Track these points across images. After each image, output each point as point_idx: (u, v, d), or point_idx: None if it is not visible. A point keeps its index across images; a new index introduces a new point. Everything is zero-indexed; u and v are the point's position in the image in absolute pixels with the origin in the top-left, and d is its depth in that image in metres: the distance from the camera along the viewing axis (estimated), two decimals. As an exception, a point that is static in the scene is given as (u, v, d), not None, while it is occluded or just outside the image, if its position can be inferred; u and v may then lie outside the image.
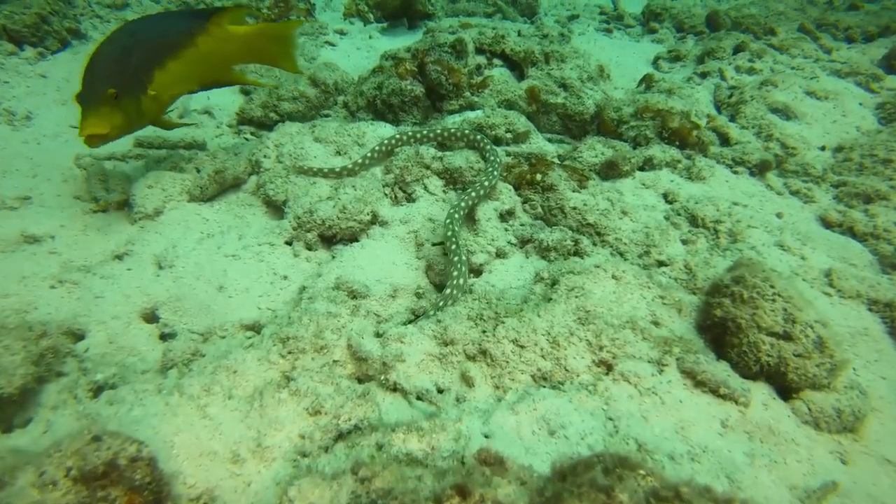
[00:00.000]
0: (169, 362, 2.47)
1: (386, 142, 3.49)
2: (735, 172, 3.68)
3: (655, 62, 5.72)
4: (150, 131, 4.34)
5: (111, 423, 1.97)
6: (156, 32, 3.09)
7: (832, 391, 2.17)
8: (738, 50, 5.18)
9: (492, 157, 3.29)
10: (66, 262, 2.98)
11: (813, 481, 1.94)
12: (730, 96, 4.57)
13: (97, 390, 2.33)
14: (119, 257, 3.04)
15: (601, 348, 2.22)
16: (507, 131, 3.85)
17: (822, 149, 3.91)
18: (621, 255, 3.02)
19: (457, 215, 2.93)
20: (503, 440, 1.86)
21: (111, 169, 3.68)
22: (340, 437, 1.96)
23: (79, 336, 2.64)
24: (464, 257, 2.71)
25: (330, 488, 1.56)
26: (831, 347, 2.16)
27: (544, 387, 2.15)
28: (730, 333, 2.29)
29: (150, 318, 2.79)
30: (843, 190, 3.52)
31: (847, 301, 2.73)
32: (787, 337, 2.18)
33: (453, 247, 2.74)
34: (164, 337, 2.72)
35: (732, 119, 4.23)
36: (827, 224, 3.35)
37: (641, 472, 1.43)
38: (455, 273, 2.63)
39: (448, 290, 2.57)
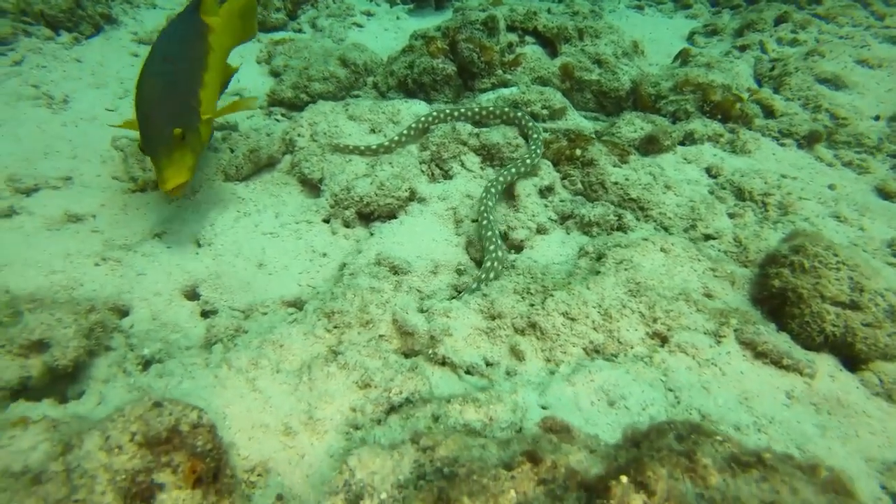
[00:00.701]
0: (213, 338, 2.46)
1: (422, 119, 3.43)
2: (782, 145, 3.56)
3: (691, 37, 5.56)
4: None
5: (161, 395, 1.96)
6: (182, 51, 2.91)
7: (902, 362, 2.08)
8: (779, 21, 5.01)
9: (535, 135, 3.22)
10: (108, 241, 2.99)
11: (889, 454, 1.86)
12: (772, 69, 4.42)
13: (145, 364, 2.33)
14: (158, 236, 3.04)
15: (655, 320, 2.16)
16: (544, 108, 3.77)
17: (877, 118, 3.76)
18: (666, 229, 2.94)
19: (493, 189, 2.88)
20: (562, 411, 1.81)
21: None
22: (392, 409, 1.93)
23: (123, 312, 2.64)
24: (496, 230, 2.67)
25: (391, 458, 1.53)
26: (901, 317, 2.07)
27: (598, 359, 2.10)
28: (790, 304, 2.20)
29: (191, 295, 2.78)
30: (900, 159, 3.39)
31: (913, 271, 2.63)
32: (854, 306, 2.10)
33: (485, 222, 2.71)
34: (205, 314, 2.71)
35: (776, 91, 4.09)
36: (885, 195, 3.22)
37: (718, 437, 1.37)
38: (491, 247, 2.59)
39: (488, 264, 2.53)
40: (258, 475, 1.78)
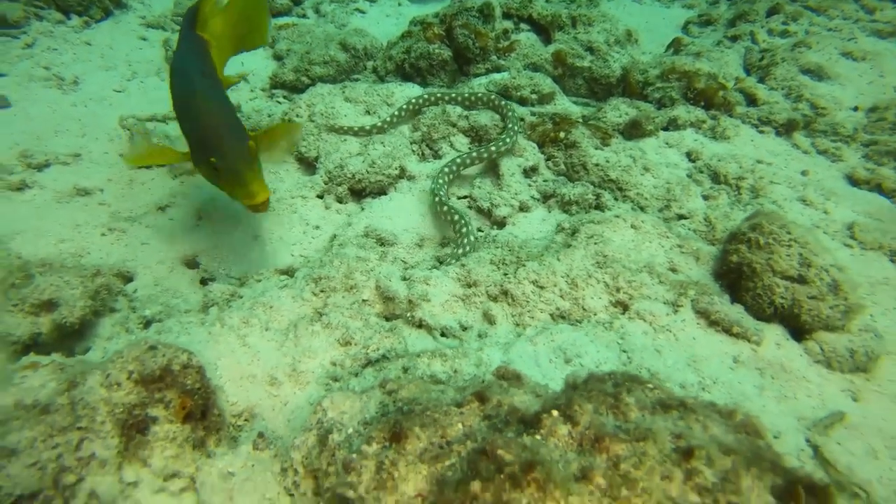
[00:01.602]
0: (210, 302, 2.64)
1: (413, 101, 3.59)
2: (761, 132, 3.69)
3: (685, 27, 5.66)
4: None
5: (161, 349, 2.15)
6: (207, 65, 2.80)
7: (846, 332, 2.23)
8: (772, 12, 5.10)
9: (510, 125, 3.35)
10: (114, 213, 3.17)
11: (821, 414, 2.02)
12: (761, 59, 4.52)
13: (146, 324, 2.51)
14: (162, 209, 3.22)
15: (618, 290, 2.32)
16: (533, 92, 3.91)
17: (855, 109, 3.88)
18: (642, 209, 3.08)
19: (441, 181, 3.05)
20: (521, 366, 1.97)
21: (153, 129, 3.86)
22: (369, 364, 2.10)
23: (128, 278, 2.83)
24: (459, 209, 2.84)
25: (360, 400, 1.70)
26: (846, 290, 2.22)
27: (562, 324, 2.26)
28: (745, 278, 2.35)
29: (192, 264, 2.96)
30: (874, 148, 3.50)
31: (868, 252, 2.76)
32: (801, 280, 2.25)
33: (444, 209, 2.88)
34: (203, 282, 2.89)
35: (762, 81, 4.20)
36: (854, 182, 3.35)
37: (650, 385, 1.53)
38: (464, 230, 2.75)
39: (462, 239, 2.70)
40: (245, 420, 1.96)
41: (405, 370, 1.92)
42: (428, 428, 1.42)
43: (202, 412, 1.71)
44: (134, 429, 1.60)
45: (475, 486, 1.18)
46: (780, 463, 1.29)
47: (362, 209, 3.13)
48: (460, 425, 1.44)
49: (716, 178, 3.29)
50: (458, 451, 1.36)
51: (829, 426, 1.92)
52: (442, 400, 1.55)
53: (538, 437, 1.32)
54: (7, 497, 1.39)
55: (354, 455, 1.42)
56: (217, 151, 2.39)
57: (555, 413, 1.36)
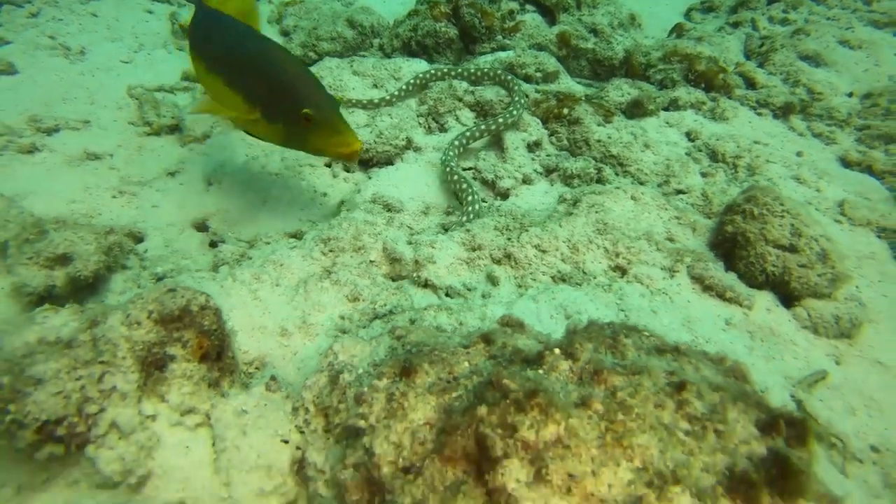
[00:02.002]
0: (220, 262, 2.71)
1: (421, 75, 3.65)
2: (759, 114, 3.77)
3: (688, 13, 5.73)
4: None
5: (174, 300, 2.22)
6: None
7: (832, 300, 2.32)
8: (772, 0, 5.18)
9: (516, 98, 3.42)
10: (124, 177, 3.24)
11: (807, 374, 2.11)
12: (761, 45, 4.60)
13: (158, 280, 2.58)
14: (172, 174, 3.29)
15: (617, 255, 2.40)
16: (537, 70, 3.98)
17: (850, 95, 3.96)
18: (641, 184, 3.16)
19: (451, 153, 3.12)
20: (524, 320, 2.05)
21: (161, 98, 3.91)
22: (377, 318, 2.18)
23: (139, 239, 2.90)
24: (468, 180, 2.92)
25: (370, 344, 1.79)
26: (834, 259, 2.31)
27: (563, 285, 2.34)
28: (739, 247, 2.44)
29: (201, 227, 3.03)
30: (867, 133, 3.59)
31: (857, 228, 2.85)
32: (792, 249, 2.33)
33: (455, 177, 2.95)
34: (213, 244, 2.96)
35: (761, 66, 4.28)
36: (847, 163, 3.44)
37: (646, 333, 1.62)
38: (469, 198, 2.83)
39: (467, 207, 2.78)
40: (256, 368, 2.05)
41: (412, 322, 2.00)
42: (436, 365, 1.50)
43: (218, 354, 1.78)
44: (153, 366, 1.68)
45: (481, 410, 1.27)
46: (764, 402, 1.38)
47: (369, 178, 3.20)
48: (467, 363, 1.53)
49: (714, 156, 3.37)
50: (465, 384, 1.45)
51: (813, 384, 2.01)
52: (449, 343, 1.63)
53: (541, 371, 1.41)
54: (34, 421, 1.47)
55: (366, 388, 1.50)
56: (311, 102, 2.38)
57: (556, 350, 1.45)
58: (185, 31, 5.04)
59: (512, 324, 1.75)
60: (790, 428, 1.31)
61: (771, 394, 1.95)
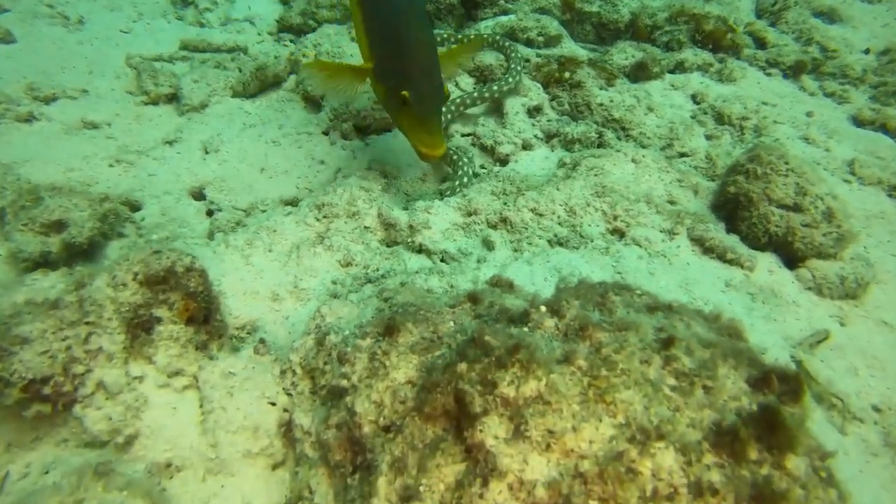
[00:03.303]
0: (216, 229, 2.69)
1: (420, 40, 3.56)
2: (768, 74, 3.66)
3: (699, -26, 5.56)
4: (193, 35, 4.53)
5: (167, 266, 2.21)
6: None
7: (838, 260, 2.26)
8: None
9: (513, 65, 3.33)
10: (122, 146, 3.21)
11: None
12: (773, 4, 4.45)
13: (153, 247, 2.57)
14: (169, 143, 3.26)
15: (615, 217, 2.35)
16: (539, 34, 3.88)
17: (867, 52, 3.83)
18: (644, 147, 3.08)
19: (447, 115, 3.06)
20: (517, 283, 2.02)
21: (160, 68, 3.86)
22: (369, 282, 2.16)
23: (135, 207, 2.88)
24: (459, 148, 2.87)
25: (357, 307, 1.76)
26: (839, 218, 2.24)
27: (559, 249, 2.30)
28: (741, 207, 2.38)
29: (198, 196, 3.01)
30: (882, 90, 3.48)
31: (867, 187, 2.77)
32: (796, 208, 2.27)
33: (449, 151, 2.89)
34: (210, 213, 2.94)
35: (773, 25, 4.15)
36: (859, 122, 3.33)
37: (638, 292, 1.58)
38: (456, 157, 2.78)
39: (461, 172, 2.73)
40: (247, 332, 2.04)
41: (403, 285, 1.97)
42: (420, 324, 1.48)
43: (205, 317, 1.77)
44: (139, 328, 1.67)
45: (461, 366, 1.24)
46: (758, 358, 1.34)
47: (367, 145, 3.16)
48: (452, 322, 1.50)
49: (720, 118, 3.28)
50: (448, 343, 1.42)
51: (814, 345, 1.97)
52: (436, 303, 1.60)
53: (525, 329, 1.38)
54: (21, 379, 1.47)
55: (349, 348, 1.48)
56: (415, 86, 2.19)
57: (542, 308, 1.41)
58: (184, 0, 4.99)
59: (501, 284, 1.71)
60: (783, 384, 1.27)
61: (769, 354, 1.90)
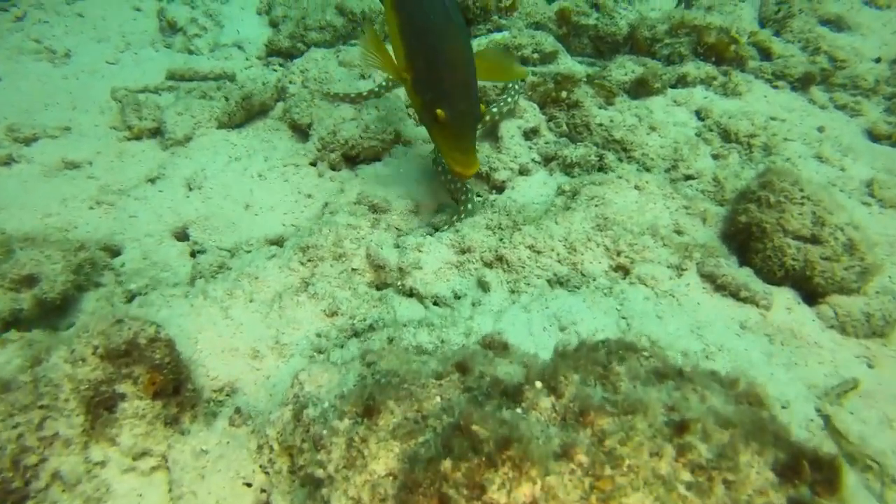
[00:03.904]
0: (197, 274, 2.56)
1: (410, 63, 3.43)
2: (775, 87, 3.50)
3: (698, -19, 5.40)
4: (181, 62, 4.42)
5: (141, 323, 2.08)
6: None
7: (862, 295, 2.10)
8: (788, -38, 4.84)
9: (509, 86, 3.18)
10: (103, 186, 3.09)
11: (833, 382, 1.90)
12: (777, 11, 4.29)
13: (131, 298, 2.44)
14: (152, 181, 3.13)
15: (619, 253, 2.19)
16: (535, 51, 3.73)
17: (878, 60, 3.66)
18: (647, 170, 2.93)
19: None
20: (513, 335, 1.87)
21: (144, 100, 3.75)
22: (356, 335, 2.02)
23: (115, 252, 2.75)
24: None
25: (338, 372, 1.62)
26: (862, 250, 2.07)
27: (559, 290, 2.15)
28: (754, 239, 2.22)
29: (181, 236, 2.88)
30: (896, 101, 3.32)
31: (888, 210, 2.60)
32: (814, 240, 2.11)
33: (446, 177, 2.75)
34: (194, 254, 2.81)
35: (778, 34, 3.99)
36: (875, 137, 3.16)
37: (645, 353, 1.42)
38: (462, 187, 2.64)
39: (462, 206, 2.58)
40: (226, 394, 1.89)
41: (390, 340, 1.83)
42: (403, 402, 1.33)
43: (174, 388, 1.63)
44: (101, 406, 1.53)
45: (446, 464, 1.09)
46: (784, 436, 1.18)
47: (356, 175, 3.02)
48: (438, 398, 1.35)
49: (726, 136, 3.12)
50: (433, 426, 1.27)
51: (842, 394, 1.80)
52: (422, 371, 1.45)
53: (519, 410, 1.23)
54: (-37, 479, 1.33)
55: (325, 431, 1.33)
56: (450, 104, 2.15)
57: (538, 384, 1.26)
58: (172, 27, 4.89)
59: (495, 345, 1.56)
60: (816, 470, 1.12)
61: (793, 408, 1.74)
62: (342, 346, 1.97)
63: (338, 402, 1.51)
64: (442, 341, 1.81)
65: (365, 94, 3.35)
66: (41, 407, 1.46)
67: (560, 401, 1.22)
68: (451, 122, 2.16)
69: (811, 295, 2.15)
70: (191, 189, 3.07)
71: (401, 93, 3.40)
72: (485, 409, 1.21)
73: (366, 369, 1.58)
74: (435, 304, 2.20)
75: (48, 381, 1.49)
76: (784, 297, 2.11)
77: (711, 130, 3.17)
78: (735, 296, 2.08)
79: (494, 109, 3.03)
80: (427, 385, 1.37)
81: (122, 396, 1.55)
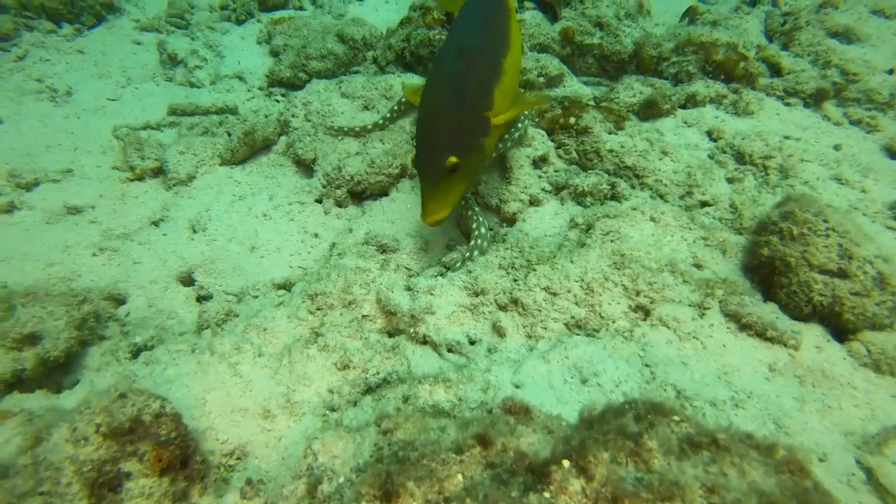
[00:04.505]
0: (204, 323, 2.50)
1: (413, 93, 3.38)
2: (787, 104, 3.42)
3: (701, -7, 5.35)
4: (181, 97, 4.39)
5: (146, 383, 2.01)
6: (482, 35, 2.34)
7: (895, 331, 2.01)
8: (792, -28, 4.77)
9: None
10: (106, 231, 3.05)
11: (871, 426, 1.81)
12: (783, 23, 4.22)
13: (136, 352, 2.38)
14: (155, 223, 3.09)
15: (638, 293, 2.11)
16: (540, 75, 3.68)
17: (891, 72, 3.58)
18: (661, 197, 2.86)
19: None
20: (533, 389, 1.79)
21: (146, 138, 3.71)
22: (369, 390, 1.94)
23: (120, 301, 2.70)
24: (476, 208, 2.64)
25: (353, 441, 1.54)
26: (894, 284, 1.99)
27: (578, 334, 2.07)
28: (778, 273, 2.13)
29: (187, 281, 2.82)
30: (914, 115, 3.23)
31: (914, 234, 2.52)
32: (842, 274, 2.02)
33: (469, 212, 2.68)
34: (200, 299, 2.75)
35: (785, 48, 3.91)
36: (893, 154, 3.08)
37: (676, 418, 1.34)
38: (473, 226, 2.56)
39: (473, 242, 2.51)
40: (237, 459, 1.82)
41: (405, 399, 1.75)
42: (423, 482, 1.25)
43: (182, 462, 1.56)
44: (105, 487, 1.46)
45: (473, 564, 1.01)
46: (833, 511, 1.11)
47: (363, 212, 2.95)
48: (460, 476, 1.27)
49: (740, 158, 3.04)
50: (456, 511, 1.19)
51: (884, 443, 1.71)
52: (441, 444, 1.38)
53: (547, 494, 1.15)
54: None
55: (341, 517, 1.26)
56: (416, 152, 2.21)
57: (566, 464, 1.18)
58: (173, 60, 4.87)
59: (515, 410, 1.48)
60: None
61: (832, 461, 1.65)
62: (355, 404, 1.89)
63: (355, 475, 1.43)
64: (459, 399, 1.73)
65: (369, 126, 3.30)
66: (42, 493, 1.40)
67: (591, 484, 1.14)
68: (416, 167, 2.21)
69: (841, 331, 2.06)
70: (195, 231, 3.01)
71: (405, 124, 3.34)
72: (511, 495, 1.13)
73: (382, 437, 1.51)
74: (449, 350, 2.13)
75: (49, 464, 1.42)
76: (813, 335, 2.02)
77: (725, 152, 3.10)
78: (762, 335, 1.99)
79: (506, 138, 2.96)
80: (447, 461, 1.29)
81: (128, 475, 1.48)
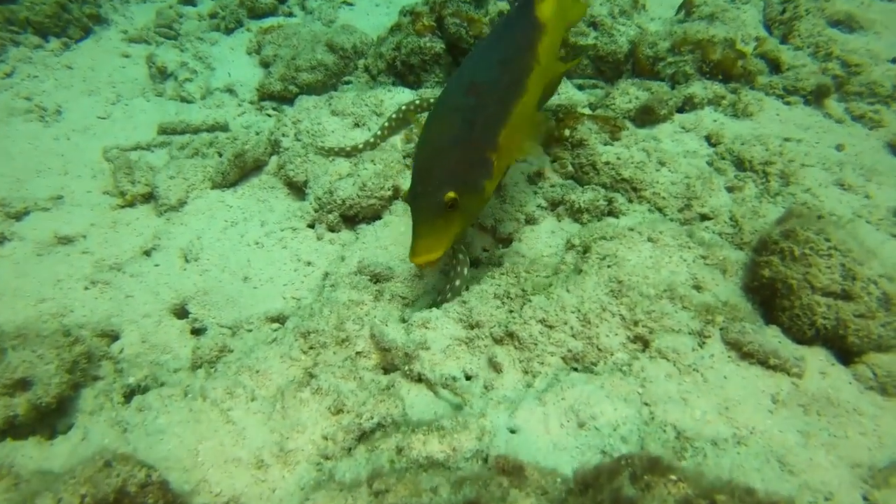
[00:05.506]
0: (198, 360, 2.47)
1: (403, 108, 3.32)
2: (787, 103, 3.33)
3: (697, -17, 5.21)
4: (172, 113, 4.34)
5: (138, 432, 1.99)
6: (496, 74, 2.22)
7: (901, 353, 1.95)
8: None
9: None
10: (98, 262, 3.01)
11: (879, 455, 1.76)
12: (782, 12, 4.11)
13: (129, 394, 2.35)
14: (147, 253, 3.05)
15: (636, 323, 2.06)
16: (534, 82, 3.60)
17: (894, 61, 3.47)
18: (660, 210, 2.80)
19: None
20: (529, 436, 1.75)
21: (136, 160, 3.66)
22: (363, 435, 1.91)
23: (113, 337, 2.67)
24: (462, 247, 2.58)
25: (345, 501, 1.51)
26: (899, 305, 1.93)
27: (576, 369, 2.03)
28: (780, 296, 2.08)
29: (181, 313, 2.79)
30: (918, 109, 3.14)
31: (920, 243, 2.45)
32: (845, 296, 1.96)
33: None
34: (195, 332, 2.72)
35: (784, 40, 3.82)
36: (897, 151, 3.01)
37: (673, 477, 1.30)
38: (459, 267, 2.50)
39: (450, 284, 2.45)
40: (231, 512, 1.79)
41: (399, 451, 1.71)
42: (413, 560, 1.22)
43: (172, 528, 1.53)
44: (93, 561, 1.44)
45: None
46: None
47: (357, 237, 2.90)
48: (452, 551, 1.24)
49: (740, 164, 2.97)
50: None
51: (892, 475, 1.66)
52: (433, 509, 1.34)
53: (540, 577, 1.11)
54: None
55: None
56: (411, 185, 2.06)
57: (559, 542, 1.15)
58: (162, 73, 4.80)
59: (508, 470, 1.44)
60: None
61: (838, 499, 1.61)
62: (350, 451, 1.86)
63: (345, 546, 1.40)
64: (454, 449, 1.69)
65: (361, 146, 3.24)
66: (28, 574, 1.37)
67: (585, 567, 1.10)
68: (409, 203, 2.06)
69: (845, 353, 2.01)
70: (187, 261, 2.98)
71: (397, 141, 3.28)
72: (502, 580, 1.10)
73: (373, 499, 1.48)
74: (444, 386, 2.09)
75: (35, 541, 1.40)
76: (817, 359, 1.97)
77: (724, 159, 3.02)
78: (764, 364, 1.94)
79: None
80: (438, 535, 1.26)
81: (116, 548, 1.45)
